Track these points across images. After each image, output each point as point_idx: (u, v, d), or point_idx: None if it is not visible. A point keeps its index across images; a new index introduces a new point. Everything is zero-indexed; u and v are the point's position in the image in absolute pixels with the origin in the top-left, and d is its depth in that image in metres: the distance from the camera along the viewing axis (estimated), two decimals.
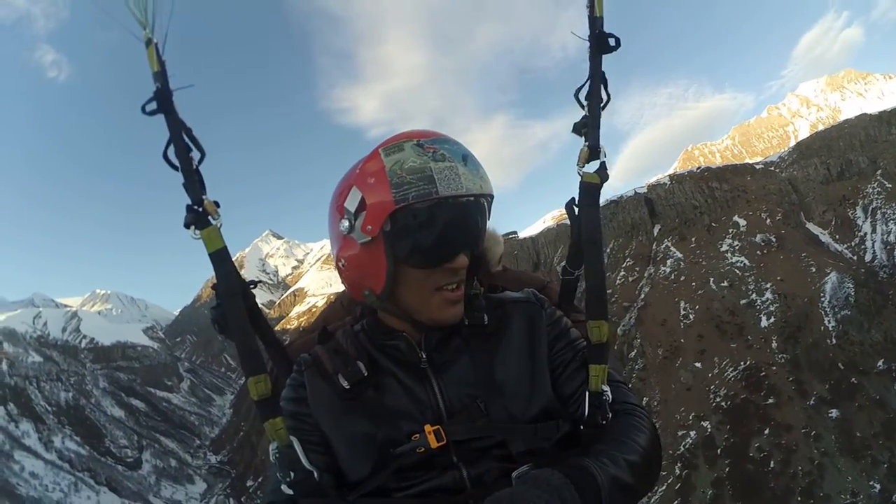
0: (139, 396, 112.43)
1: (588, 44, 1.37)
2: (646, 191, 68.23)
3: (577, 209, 1.38)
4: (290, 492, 1.22)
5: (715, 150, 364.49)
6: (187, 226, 1.29)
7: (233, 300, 1.28)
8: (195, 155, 1.29)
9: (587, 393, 1.28)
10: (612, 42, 1.35)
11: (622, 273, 61.79)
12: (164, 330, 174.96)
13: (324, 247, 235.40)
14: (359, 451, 1.27)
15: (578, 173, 1.37)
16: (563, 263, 1.57)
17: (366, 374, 1.30)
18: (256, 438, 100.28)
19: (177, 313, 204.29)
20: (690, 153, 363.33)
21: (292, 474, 1.21)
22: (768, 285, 51.95)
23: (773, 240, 56.53)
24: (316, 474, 1.23)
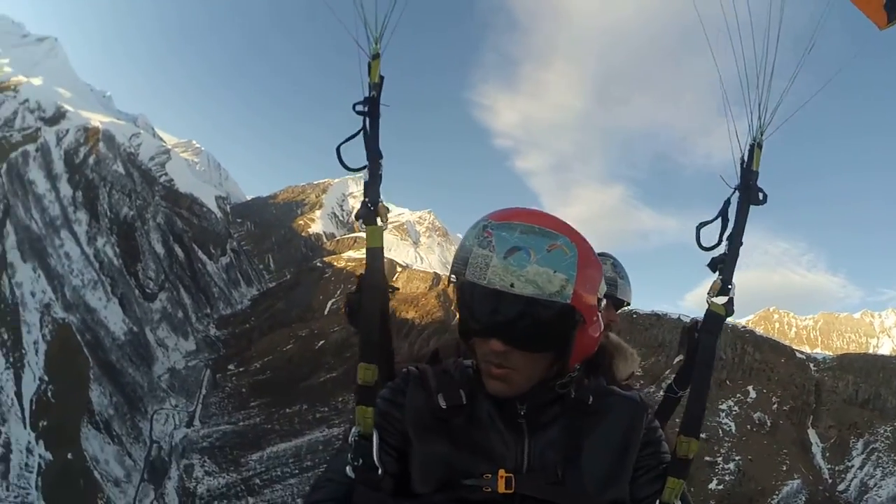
0: (183, 247, 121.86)
1: (733, 189, 1.59)
2: (688, 319, 69.80)
3: (697, 333, 1.58)
4: (352, 476, 1.32)
5: (793, 324, 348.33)
6: (357, 218, 1.55)
7: (373, 293, 1.49)
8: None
9: (658, 502, 1.39)
10: (761, 197, 1.57)
11: None
12: (231, 206, 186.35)
13: (401, 215, 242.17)
14: (430, 469, 1.33)
15: (707, 301, 1.56)
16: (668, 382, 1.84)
17: (464, 403, 1.36)
18: (256, 337, 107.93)
19: (249, 198, 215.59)
20: (769, 314, 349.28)
21: (360, 461, 1.31)
22: (738, 458, 53.55)
23: (768, 424, 57.73)
24: (380, 472, 1.31)
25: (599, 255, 1.50)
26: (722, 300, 1.56)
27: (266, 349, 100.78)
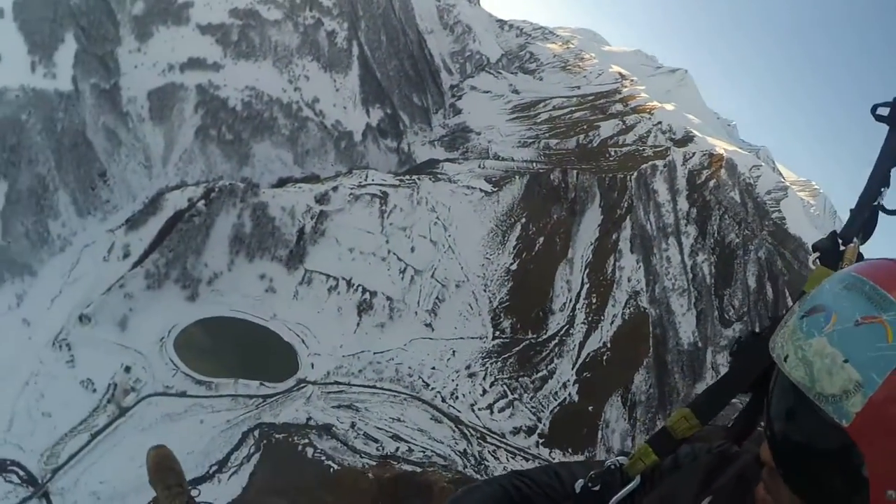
0: (775, 288, 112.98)
1: None
2: None
3: None
4: (576, 492, 1.25)
5: None
6: (814, 249, 1.24)
7: (757, 358, 1.12)
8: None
9: None
10: None
11: None
12: None
13: None
14: None
15: None
16: None
17: None
18: None
19: None
20: None
21: (597, 487, 1.23)
22: None
23: None
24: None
25: None
26: None
27: None
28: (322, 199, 66.99)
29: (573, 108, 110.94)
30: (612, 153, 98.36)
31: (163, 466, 6.15)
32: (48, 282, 55.80)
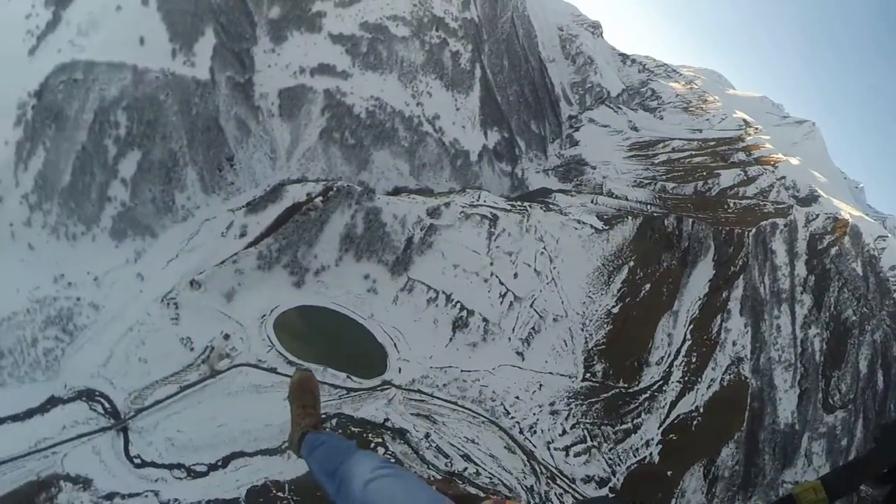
0: (887, 377, 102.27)
1: None
2: None
3: None
4: None
5: None
6: None
7: None
8: None
9: None
10: None
11: None
12: None
13: None
14: None
15: None
16: None
17: None
18: None
19: None
20: None
21: None
22: None
23: None
24: None
25: None
26: None
27: None
28: (434, 212, 67.71)
29: (693, 153, 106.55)
30: (731, 205, 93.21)
31: (304, 388, 5.65)
32: (167, 245, 59.70)
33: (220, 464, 46.89)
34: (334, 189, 64.61)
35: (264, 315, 57.85)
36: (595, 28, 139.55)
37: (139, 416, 48.15)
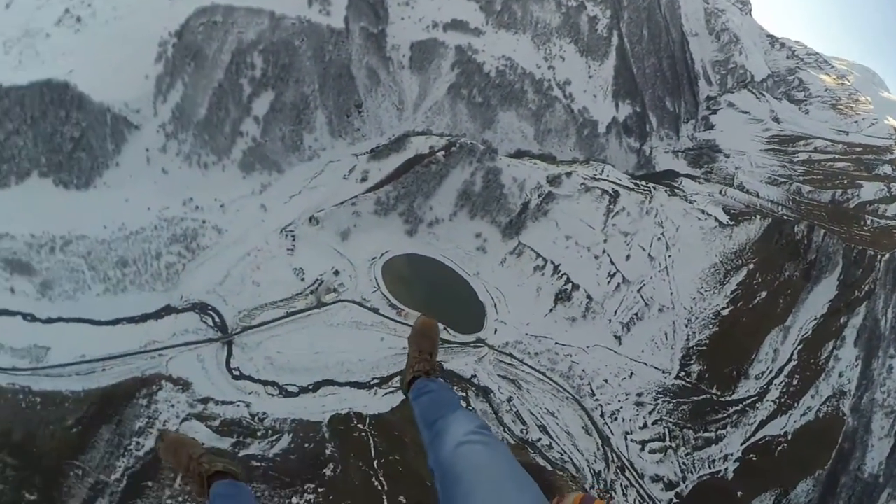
0: None
1: None
2: None
3: None
4: None
5: None
6: None
7: None
8: None
9: None
10: None
11: None
12: None
13: None
14: None
15: None
16: None
17: None
18: None
19: None
20: None
21: None
22: None
23: None
24: None
25: None
26: None
27: None
28: (554, 180, 66.59)
29: (836, 156, 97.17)
30: (868, 221, 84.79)
31: (424, 333, 5.78)
32: (291, 181, 62.86)
33: (310, 388, 49.56)
34: (457, 145, 64.83)
35: (374, 257, 60.18)
36: (744, 4, 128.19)
37: (245, 333, 51.67)
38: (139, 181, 55.59)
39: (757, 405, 63.18)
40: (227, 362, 49.57)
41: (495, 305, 60.69)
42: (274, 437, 45.58)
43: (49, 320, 48.03)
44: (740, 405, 62.84)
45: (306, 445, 45.65)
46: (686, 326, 64.37)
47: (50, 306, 48.72)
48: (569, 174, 67.30)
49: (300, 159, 64.58)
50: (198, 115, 59.25)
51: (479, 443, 3.73)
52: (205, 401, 46.45)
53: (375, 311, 56.31)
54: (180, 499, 41.10)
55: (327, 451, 45.39)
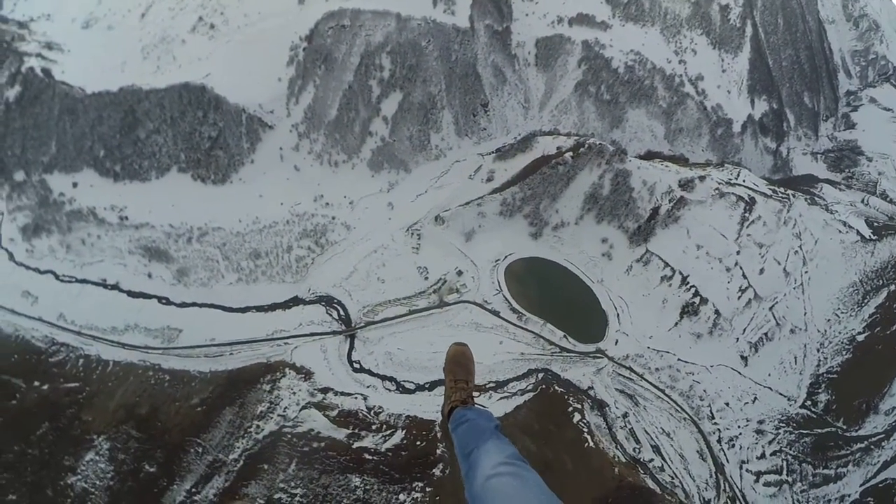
0: None
1: None
2: None
3: None
4: None
5: None
6: None
7: None
8: None
9: None
10: None
11: None
12: None
13: None
14: None
15: None
16: None
17: None
18: None
19: None
20: None
21: None
22: None
23: None
24: None
25: None
26: None
27: None
28: (686, 184, 63.85)
29: None
30: None
31: (459, 361, 5.80)
32: (418, 180, 64.09)
33: (427, 386, 50.90)
34: (586, 146, 63.28)
35: (498, 259, 60.52)
36: None
37: (368, 327, 53.72)
38: (272, 178, 58.71)
39: (883, 445, 59.07)
40: (349, 355, 51.89)
41: (618, 315, 59.71)
42: (388, 432, 47.20)
43: (183, 304, 52.14)
44: (865, 442, 59.01)
45: (418, 443, 46.85)
46: (818, 351, 60.89)
47: (185, 292, 52.68)
48: (702, 178, 64.32)
49: (427, 158, 65.59)
50: (329, 115, 61.42)
51: (508, 474, 3.87)
52: (325, 390, 48.80)
53: (496, 313, 56.88)
54: (293, 483, 43.34)
55: (438, 451, 46.36)
